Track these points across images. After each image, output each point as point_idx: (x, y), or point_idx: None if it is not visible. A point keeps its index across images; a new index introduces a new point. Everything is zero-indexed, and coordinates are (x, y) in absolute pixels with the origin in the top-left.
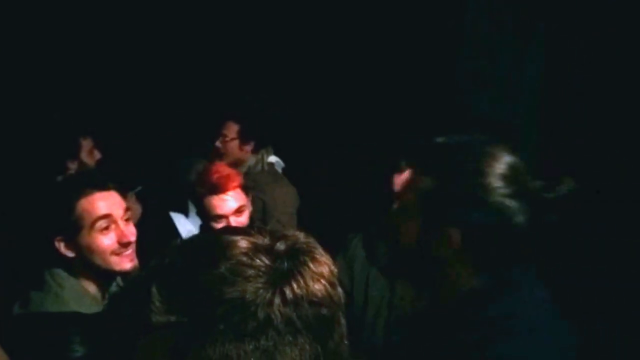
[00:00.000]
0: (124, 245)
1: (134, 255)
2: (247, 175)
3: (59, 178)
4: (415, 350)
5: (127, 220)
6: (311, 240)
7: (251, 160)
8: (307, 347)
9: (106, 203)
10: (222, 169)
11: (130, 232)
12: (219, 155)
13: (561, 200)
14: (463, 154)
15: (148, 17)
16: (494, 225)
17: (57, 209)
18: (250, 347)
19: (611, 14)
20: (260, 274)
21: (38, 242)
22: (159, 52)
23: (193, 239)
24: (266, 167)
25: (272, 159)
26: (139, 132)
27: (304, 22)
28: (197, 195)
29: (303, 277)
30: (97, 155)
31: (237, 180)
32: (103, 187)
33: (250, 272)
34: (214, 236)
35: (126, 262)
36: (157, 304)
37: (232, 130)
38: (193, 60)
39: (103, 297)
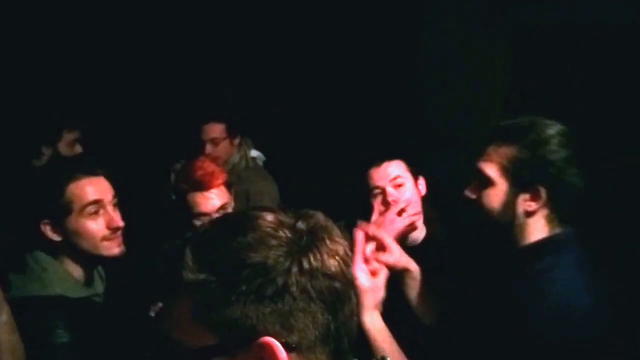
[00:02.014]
0: (113, 230)
1: (121, 240)
2: (232, 172)
3: (34, 163)
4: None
5: (114, 205)
6: (330, 222)
7: (235, 157)
8: (320, 316)
9: (96, 188)
10: (206, 165)
11: (119, 218)
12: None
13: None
14: (537, 127)
15: (134, 16)
16: (568, 183)
17: (47, 193)
18: (268, 310)
19: (580, 16)
20: (282, 244)
21: (22, 225)
22: (144, 52)
23: (226, 215)
24: (250, 163)
25: (254, 153)
26: (124, 131)
27: (281, 22)
28: (179, 191)
29: (320, 251)
30: (79, 149)
31: (222, 177)
32: (93, 173)
33: (273, 242)
34: (244, 211)
35: (115, 248)
36: (190, 263)
37: (219, 131)
38: (170, 59)
39: (87, 281)
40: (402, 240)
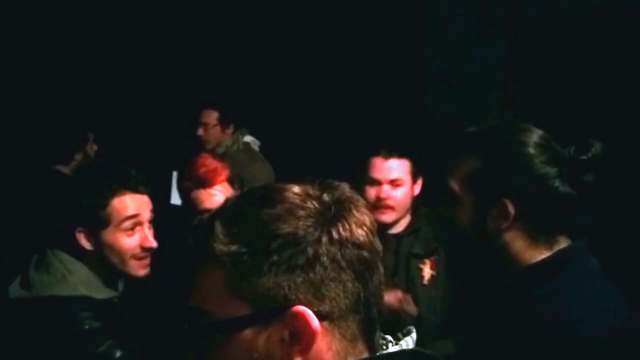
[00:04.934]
0: (145, 249)
1: (149, 262)
2: (225, 154)
3: (62, 168)
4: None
5: (150, 223)
6: (355, 193)
7: (228, 141)
8: (350, 284)
9: (136, 204)
10: (208, 162)
11: (153, 239)
12: (202, 142)
13: (594, 161)
14: (498, 132)
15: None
16: (542, 192)
17: (89, 203)
18: (300, 279)
19: (580, 6)
20: (311, 215)
21: (53, 228)
22: (136, 47)
23: (252, 188)
24: (241, 147)
25: (248, 138)
26: (129, 126)
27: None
28: (183, 188)
29: (348, 221)
30: (95, 147)
31: (224, 173)
32: (137, 190)
33: (302, 212)
34: (270, 184)
35: (141, 269)
36: (220, 235)
37: (212, 117)
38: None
39: (111, 284)
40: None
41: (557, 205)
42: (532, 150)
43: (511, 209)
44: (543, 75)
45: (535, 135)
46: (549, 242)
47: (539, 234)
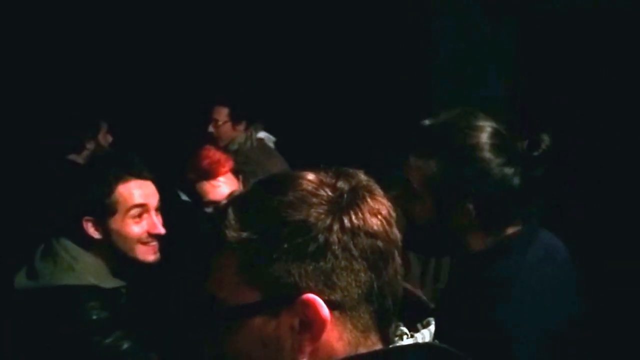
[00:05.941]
0: (152, 236)
1: (157, 248)
2: (238, 152)
3: (75, 157)
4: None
5: (157, 210)
6: (372, 181)
7: (241, 137)
8: (362, 274)
9: (143, 192)
10: (212, 154)
11: (160, 225)
12: (213, 139)
13: (545, 155)
14: (452, 134)
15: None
16: (502, 192)
17: (95, 191)
18: (310, 267)
19: (581, 22)
20: (323, 202)
21: (60, 218)
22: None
23: (268, 176)
24: (255, 143)
25: (262, 134)
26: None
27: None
28: (188, 181)
29: (361, 209)
30: (109, 138)
31: (228, 164)
32: (141, 176)
33: (314, 200)
34: (285, 172)
35: (150, 254)
36: (232, 222)
37: (222, 114)
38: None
39: (119, 273)
40: None
41: (515, 200)
42: (488, 155)
43: (472, 210)
44: (552, 71)
45: (488, 133)
46: (502, 233)
47: (497, 226)
